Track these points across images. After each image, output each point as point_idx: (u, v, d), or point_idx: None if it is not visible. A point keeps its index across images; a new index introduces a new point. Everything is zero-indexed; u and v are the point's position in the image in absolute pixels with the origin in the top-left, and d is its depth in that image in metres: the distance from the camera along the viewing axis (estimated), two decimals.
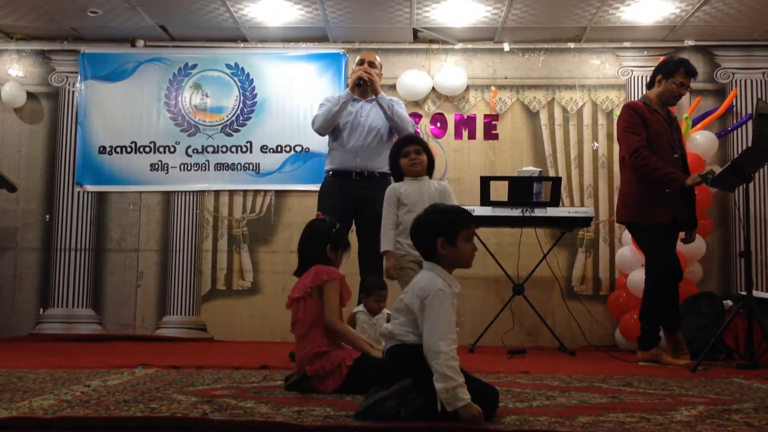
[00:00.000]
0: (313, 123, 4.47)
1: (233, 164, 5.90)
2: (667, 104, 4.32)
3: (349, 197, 4.26)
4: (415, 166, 3.47)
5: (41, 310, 5.84)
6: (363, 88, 4.39)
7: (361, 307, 3.81)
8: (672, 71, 4.22)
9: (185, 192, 5.91)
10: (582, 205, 5.72)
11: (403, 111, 4.41)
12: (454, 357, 2.11)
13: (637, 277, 4.76)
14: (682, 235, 4.30)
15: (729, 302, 4.66)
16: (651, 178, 4.07)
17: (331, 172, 4.37)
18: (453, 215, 2.34)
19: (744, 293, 4.00)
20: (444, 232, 2.28)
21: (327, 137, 4.48)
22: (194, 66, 6.00)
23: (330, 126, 4.37)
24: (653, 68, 4.39)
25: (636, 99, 4.96)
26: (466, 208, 5.17)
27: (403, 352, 2.22)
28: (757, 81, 5.83)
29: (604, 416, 2.28)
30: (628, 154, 4.15)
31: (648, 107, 4.23)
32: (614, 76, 5.88)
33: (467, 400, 2.06)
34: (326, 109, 4.37)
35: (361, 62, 4.46)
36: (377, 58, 4.54)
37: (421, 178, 3.48)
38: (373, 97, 4.39)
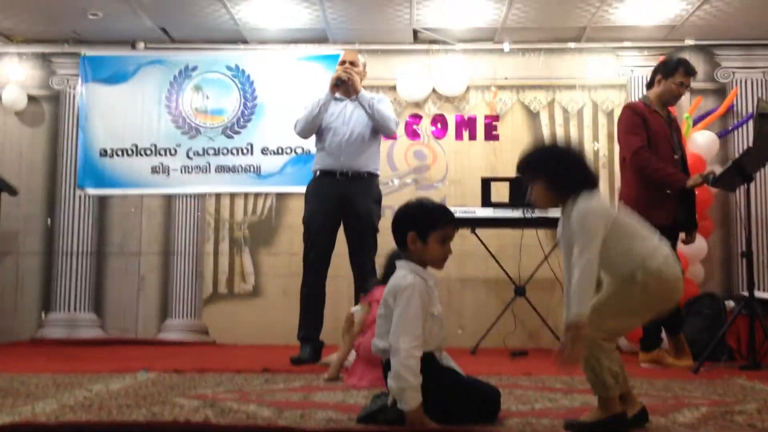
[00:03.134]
0: (294, 126, 4.41)
1: (234, 166, 5.89)
2: (667, 104, 4.31)
3: (334, 197, 4.23)
4: None
5: (43, 314, 5.84)
6: (344, 87, 4.33)
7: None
8: (671, 71, 4.22)
9: (186, 195, 5.90)
10: None
11: (384, 108, 4.32)
12: (413, 355, 2.11)
13: None
14: (682, 236, 4.30)
15: (731, 303, 4.64)
16: (652, 179, 4.06)
17: (317, 173, 4.35)
18: (432, 212, 2.33)
19: (746, 294, 4.00)
20: (417, 227, 2.28)
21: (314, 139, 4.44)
22: (195, 68, 6.00)
23: (311, 129, 4.33)
24: (653, 68, 4.39)
25: (636, 99, 4.95)
26: (467, 209, 5.16)
27: None
28: (757, 80, 5.82)
29: None
30: (628, 155, 4.15)
31: (648, 108, 4.22)
32: (614, 76, 5.87)
33: (413, 406, 2.07)
34: (307, 112, 4.32)
35: (341, 62, 4.40)
36: (359, 57, 4.48)
37: None
38: (354, 96, 4.34)
